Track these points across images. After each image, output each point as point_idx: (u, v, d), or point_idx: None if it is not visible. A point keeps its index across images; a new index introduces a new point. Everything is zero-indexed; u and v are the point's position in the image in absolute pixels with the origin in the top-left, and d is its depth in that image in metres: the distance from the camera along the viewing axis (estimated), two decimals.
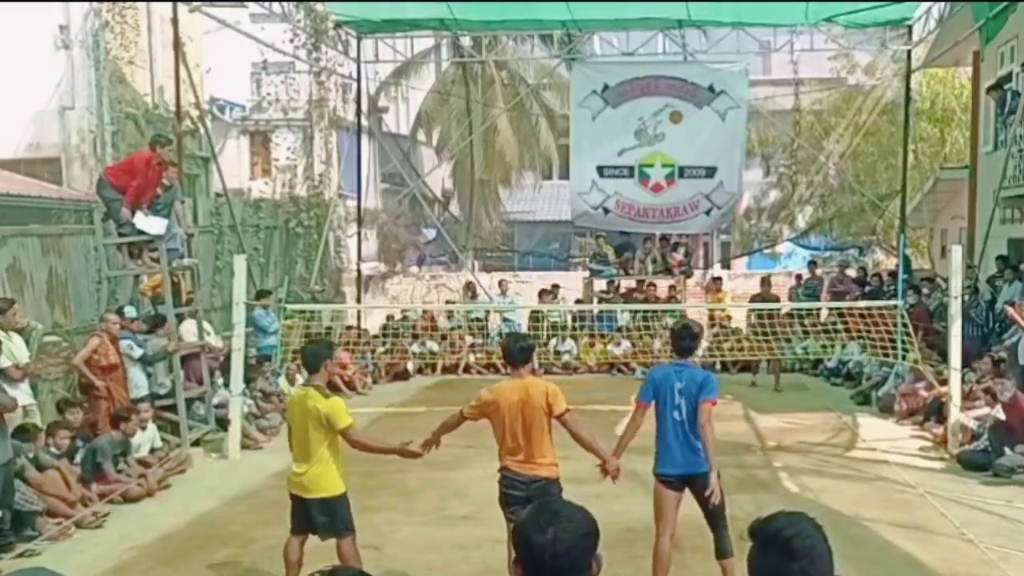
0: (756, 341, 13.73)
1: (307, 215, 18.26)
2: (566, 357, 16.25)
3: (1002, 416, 9.65)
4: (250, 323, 12.07)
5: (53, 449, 8.48)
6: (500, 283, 18.62)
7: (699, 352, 15.05)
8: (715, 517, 6.00)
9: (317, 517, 5.95)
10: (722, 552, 6.02)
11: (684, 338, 6.08)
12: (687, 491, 6.08)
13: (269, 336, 12.95)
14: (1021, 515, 8.03)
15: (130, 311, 10.85)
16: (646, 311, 15.54)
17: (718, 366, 15.61)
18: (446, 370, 16.40)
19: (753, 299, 16.92)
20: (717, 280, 19.07)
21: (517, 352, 6.01)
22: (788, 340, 13.21)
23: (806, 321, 15.22)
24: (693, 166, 18.07)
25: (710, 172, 18.04)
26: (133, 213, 10.29)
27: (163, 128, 13.81)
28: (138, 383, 10.33)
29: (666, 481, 6.06)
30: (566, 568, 2.26)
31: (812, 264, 19.36)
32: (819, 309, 16.00)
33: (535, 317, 17.07)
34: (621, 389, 14.23)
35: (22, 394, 8.65)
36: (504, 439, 5.86)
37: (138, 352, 10.36)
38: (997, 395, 9.73)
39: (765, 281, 17.84)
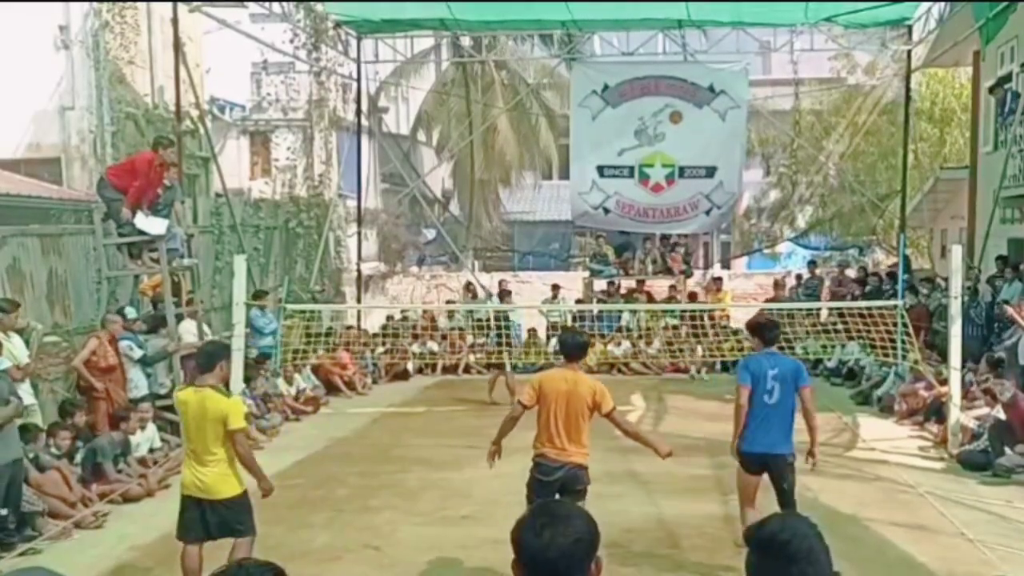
0: None
1: (307, 215, 18.25)
2: None
3: (1002, 416, 9.65)
4: (246, 324, 12.05)
5: (53, 449, 8.49)
6: (500, 283, 18.60)
7: (700, 352, 15.37)
8: (787, 496, 6.47)
9: (214, 518, 5.89)
10: None
11: (770, 330, 6.78)
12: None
13: (265, 337, 12.92)
14: (1021, 515, 8.03)
15: (130, 311, 10.85)
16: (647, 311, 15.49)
17: (718, 366, 15.66)
18: (446, 370, 16.38)
19: (767, 302, 16.85)
20: (717, 280, 19.09)
21: (573, 347, 6.28)
22: (788, 340, 13.20)
23: (806, 321, 15.21)
24: (693, 166, 18.06)
25: (710, 172, 18.03)
26: (134, 213, 10.29)
27: (163, 128, 13.82)
28: (138, 383, 10.34)
29: (746, 459, 6.57)
30: (562, 571, 2.23)
31: (812, 264, 19.39)
32: (819, 309, 16.00)
33: (505, 317, 16.70)
34: (621, 389, 14.23)
35: (23, 394, 8.66)
36: (547, 425, 6.05)
37: (138, 352, 10.36)
38: (997, 395, 9.73)
39: (779, 284, 17.85)
